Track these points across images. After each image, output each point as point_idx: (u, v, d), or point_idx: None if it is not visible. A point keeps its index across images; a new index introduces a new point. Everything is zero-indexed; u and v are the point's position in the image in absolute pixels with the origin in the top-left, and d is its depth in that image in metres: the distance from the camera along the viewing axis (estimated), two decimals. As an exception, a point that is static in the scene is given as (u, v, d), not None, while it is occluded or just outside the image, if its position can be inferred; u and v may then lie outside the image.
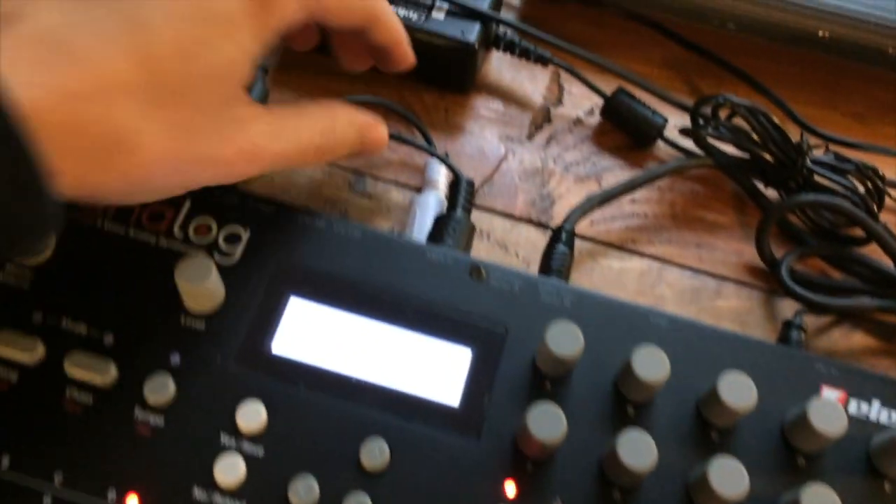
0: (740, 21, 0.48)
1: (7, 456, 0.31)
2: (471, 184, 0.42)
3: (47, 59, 0.25)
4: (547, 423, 0.31)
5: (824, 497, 0.31)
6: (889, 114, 0.50)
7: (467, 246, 0.40)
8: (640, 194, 0.45)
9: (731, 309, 0.44)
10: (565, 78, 0.49)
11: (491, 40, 0.47)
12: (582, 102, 0.49)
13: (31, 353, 0.32)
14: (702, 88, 0.50)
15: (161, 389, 0.32)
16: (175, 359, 0.33)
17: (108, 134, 0.27)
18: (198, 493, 0.31)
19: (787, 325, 0.41)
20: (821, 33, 0.47)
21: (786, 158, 0.43)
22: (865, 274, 0.43)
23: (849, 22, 0.46)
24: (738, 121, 0.44)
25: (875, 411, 0.35)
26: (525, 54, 0.47)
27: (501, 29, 0.47)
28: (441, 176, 0.43)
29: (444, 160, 0.43)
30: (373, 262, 0.36)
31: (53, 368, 0.33)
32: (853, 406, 0.35)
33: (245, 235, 0.36)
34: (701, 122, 0.45)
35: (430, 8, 0.45)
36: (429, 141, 0.45)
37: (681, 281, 0.44)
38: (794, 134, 0.44)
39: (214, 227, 0.36)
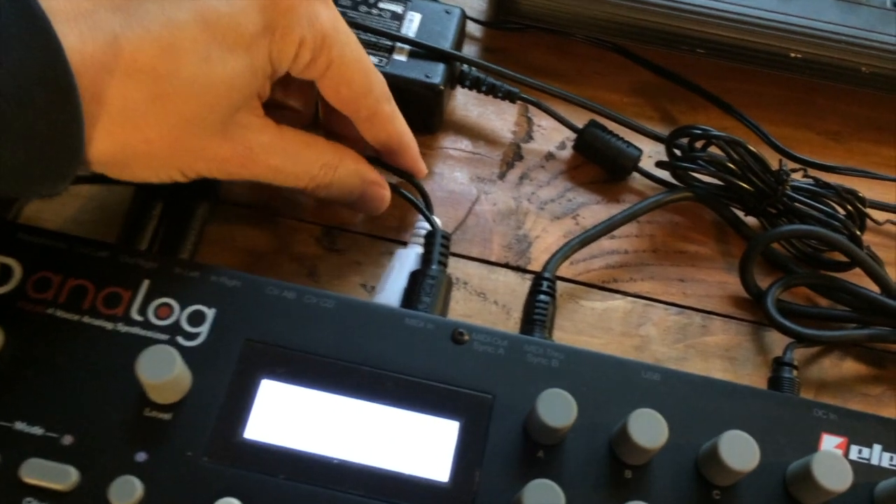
0: (710, 46, 0.46)
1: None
2: (446, 237, 0.40)
3: (92, 28, 0.28)
4: (544, 501, 0.30)
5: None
6: (865, 130, 0.49)
7: (445, 303, 0.38)
8: (618, 230, 0.44)
9: (720, 344, 0.42)
10: (534, 111, 0.48)
11: (456, 78, 0.45)
12: (553, 136, 0.47)
13: (-17, 463, 0.30)
14: (674, 114, 0.49)
15: (127, 492, 0.30)
16: (141, 456, 0.31)
17: (122, 109, 0.29)
18: None
19: (779, 364, 0.39)
20: (793, 54, 0.46)
21: (766, 187, 0.42)
22: (852, 302, 0.43)
23: (820, 42, 0.45)
24: (714, 148, 0.43)
25: (877, 456, 0.34)
26: (492, 91, 0.45)
27: (466, 65, 0.45)
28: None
29: (421, 209, 0.41)
30: (348, 334, 0.34)
31: (8, 477, 0.30)
32: (854, 451, 0.34)
33: (210, 313, 0.34)
34: (677, 152, 0.44)
35: (391, 50, 0.43)
36: (426, 199, 0.42)
37: (666, 319, 0.43)
38: (769, 155, 0.43)
39: (176, 306, 0.34)
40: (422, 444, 0.32)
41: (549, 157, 0.47)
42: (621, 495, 0.32)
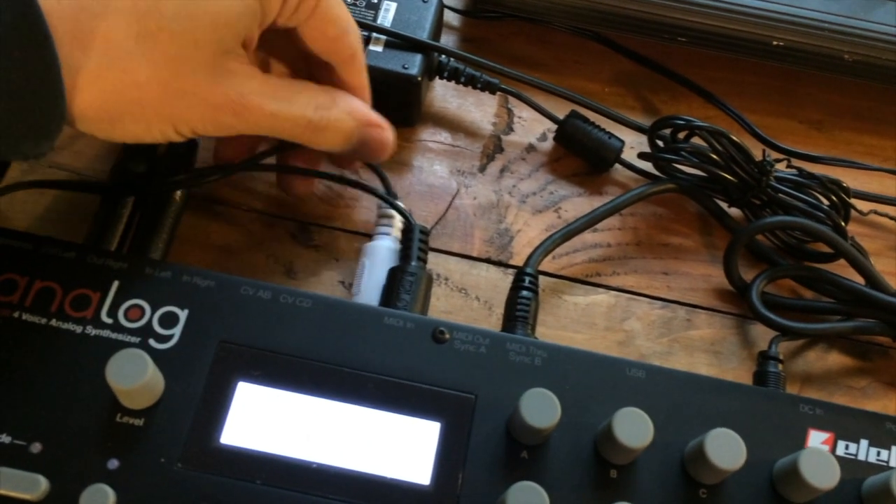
0: (692, 34, 0.46)
1: None
2: (424, 231, 0.39)
3: None
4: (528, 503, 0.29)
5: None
6: (847, 119, 0.49)
7: (425, 300, 0.37)
8: (601, 223, 0.43)
9: (704, 338, 0.42)
10: (514, 102, 0.47)
11: (434, 69, 0.44)
12: (533, 127, 0.46)
13: (-53, 474, 0.29)
14: (655, 104, 0.48)
15: (99, 500, 0.29)
16: (112, 463, 0.30)
17: (106, 51, 0.28)
18: None
19: (764, 358, 0.39)
20: (775, 42, 0.45)
21: (749, 178, 0.42)
22: (836, 293, 0.42)
23: (803, 30, 0.45)
24: (697, 139, 0.42)
25: (864, 451, 0.34)
26: (471, 82, 0.44)
27: (444, 56, 0.44)
28: (394, 219, 0.40)
29: (396, 205, 0.40)
30: (326, 334, 0.33)
31: (-25, 488, 0.29)
32: (841, 447, 0.34)
33: (182, 315, 0.33)
34: (659, 143, 0.43)
35: (367, 41, 0.41)
36: (386, 185, 0.42)
37: (650, 313, 0.42)
38: (752, 144, 0.43)
39: (148, 308, 0.33)
40: (402, 447, 0.32)
41: (530, 149, 0.46)
42: (607, 495, 0.31)
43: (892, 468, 0.33)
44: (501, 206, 0.44)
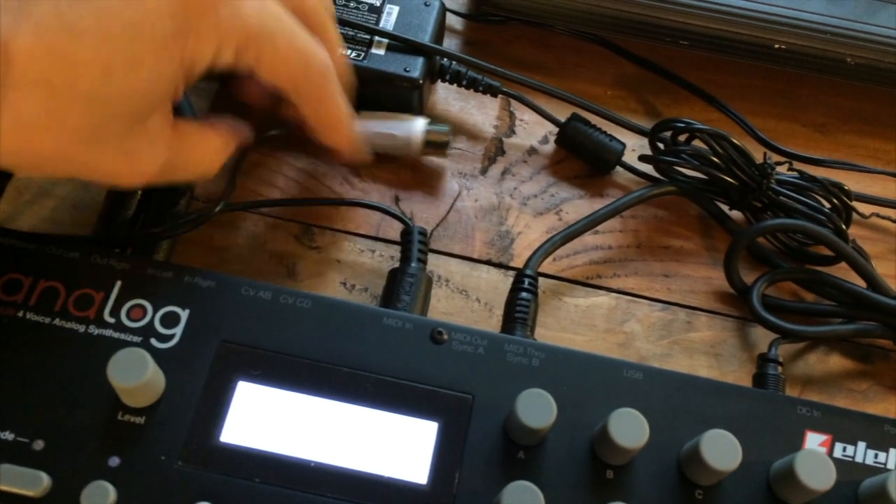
0: (694, 37, 0.46)
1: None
2: (424, 233, 0.39)
3: None
4: (523, 503, 0.29)
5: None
6: (850, 122, 0.49)
7: (425, 301, 0.38)
8: (602, 225, 0.43)
9: (705, 340, 0.42)
10: (516, 105, 0.47)
11: (436, 72, 0.44)
12: (535, 130, 0.47)
13: (-49, 470, 0.29)
14: (657, 107, 0.48)
15: (100, 497, 0.29)
16: (114, 461, 0.30)
17: (15, 121, 0.27)
18: None
19: (764, 360, 0.39)
20: (777, 46, 0.45)
21: (750, 181, 0.42)
22: (837, 296, 0.42)
23: (805, 33, 0.45)
24: (698, 141, 0.42)
25: (861, 453, 0.34)
26: (473, 85, 0.44)
27: (446, 59, 0.44)
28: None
29: (391, 211, 0.40)
30: (326, 334, 0.33)
31: (-22, 485, 0.29)
32: (839, 449, 0.34)
33: (184, 315, 0.33)
34: (660, 146, 0.44)
35: (370, 44, 0.42)
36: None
37: (650, 315, 0.42)
38: (754, 148, 0.43)
39: (150, 308, 0.33)
40: (400, 446, 0.32)
41: (532, 151, 0.46)
42: (603, 496, 0.32)
43: (889, 470, 0.33)
44: (503, 209, 0.44)
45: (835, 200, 0.42)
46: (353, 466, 0.31)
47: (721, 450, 0.31)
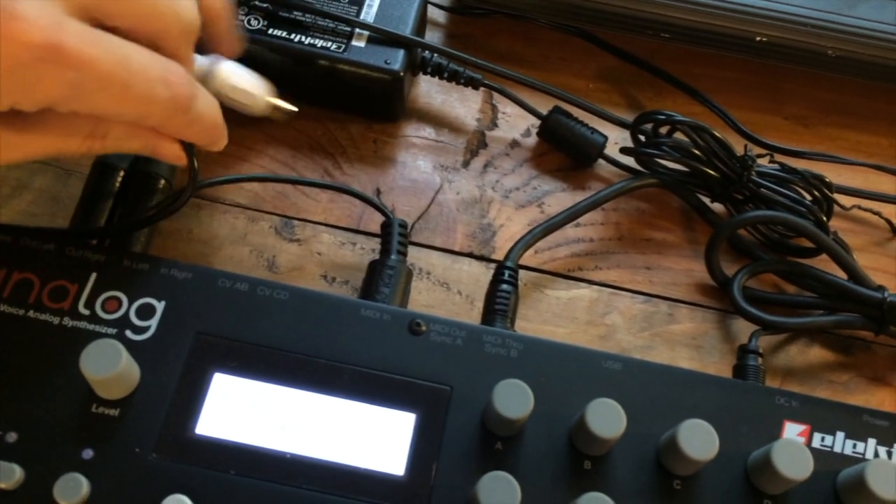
0: (675, 30, 0.46)
1: None
2: (404, 225, 0.39)
3: None
4: (499, 493, 0.29)
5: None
6: (832, 115, 0.49)
7: (405, 293, 0.37)
8: (583, 217, 0.43)
9: (686, 332, 0.42)
10: (498, 98, 0.47)
11: (417, 64, 0.44)
12: (517, 123, 0.46)
13: (-78, 462, 0.29)
14: (640, 100, 0.48)
15: (73, 489, 0.29)
16: (87, 453, 0.30)
17: None
18: None
19: (744, 352, 0.39)
20: (758, 38, 0.45)
21: (731, 173, 0.42)
22: (818, 288, 0.42)
23: (786, 26, 0.45)
24: (679, 134, 0.42)
25: (839, 443, 0.34)
26: (454, 77, 0.44)
27: (428, 52, 0.44)
28: None
29: (373, 201, 0.40)
30: (303, 326, 0.33)
31: (-50, 477, 0.29)
32: (817, 439, 0.34)
33: (159, 307, 0.33)
34: (642, 138, 0.44)
35: (350, 36, 0.42)
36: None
37: (632, 307, 0.42)
38: (736, 140, 0.43)
39: (125, 300, 0.33)
40: (377, 437, 0.32)
41: (514, 144, 0.46)
42: (581, 486, 0.31)
43: (867, 460, 0.33)
44: (484, 201, 0.44)
45: (816, 192, 0.42)
46: (330, 458, 0.31)
47: (698, 439, 0.31)
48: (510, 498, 0.29)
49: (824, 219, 0.42)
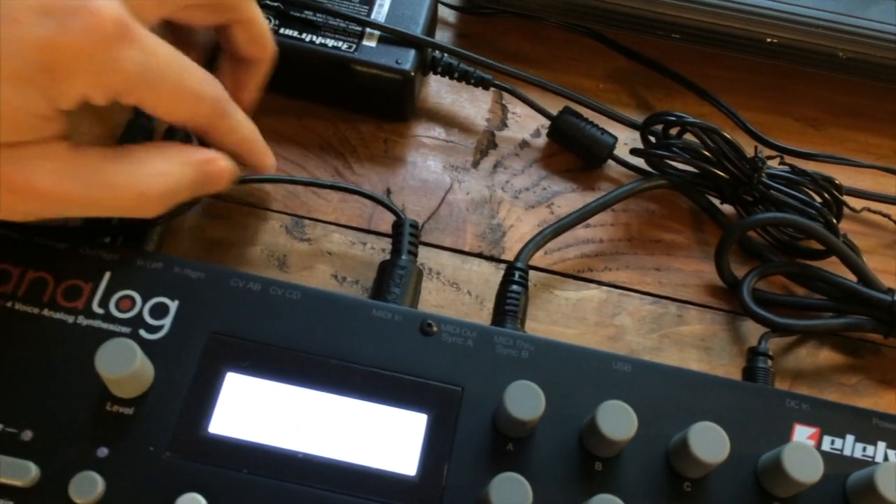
0: (686, 31, 0.46)
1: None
2: (415, 225, 0.39)
3: None
4: (511, 495, 0.29)
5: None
6: (842, 116, 0.49)
7: (415, 294, 0.38)
8: (593, 218, 0.43)
9: (695, 334, 0.42)
10: (508, 98, 0.47)
11: (428, 64, 0.44)
12: (527, 123, 0.47)
13: (-62, 460, 0.29)
14: (649, 101, 0.48)
15: (88, 487, 0.29)
16: (102, 451, 0.30)
17: None
18: None
19: (753, 354, 0.39)
20: (769, 39, 0.45)
21: (741, 175, 0.42)
22: (828, 290, 0.42)
23: (797, 27, 0.45)
24: (689, 135, 0.42)
25: (849, 446, 0.34)
26: (465, 77, 0.44)
27: (438, 52, 0.44)
28: None
29: (384, 201, 0.40)
30: (315, 326, 0.33)
31: (-34, 475, 0.29)
32: (827, 442, 0.34)
33: (173, 306, 0.33)
34: (652, 139, 0.44)
35: (361, 36, 0.42)
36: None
37: (641, 308, 0.42)
38: (746, 142, 0.43)
39: (138, 299, 0.33)
40: (389, 438, 0.32)
41: (524, 144, 0.46)
42: (591, 488, 0.32)
43: (877, 464, 0.33)
44: (494, 202, 0.44)
45: (826, 195, 0.43)
46: (343, 458, 0.31)
47: (709, 442, 0.31)
48: (522, 499, 0.29)
49: (834, 221, 0.42)
